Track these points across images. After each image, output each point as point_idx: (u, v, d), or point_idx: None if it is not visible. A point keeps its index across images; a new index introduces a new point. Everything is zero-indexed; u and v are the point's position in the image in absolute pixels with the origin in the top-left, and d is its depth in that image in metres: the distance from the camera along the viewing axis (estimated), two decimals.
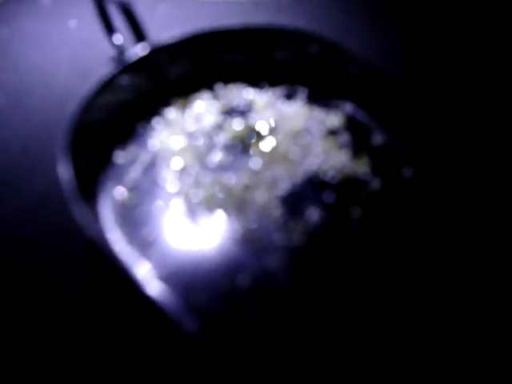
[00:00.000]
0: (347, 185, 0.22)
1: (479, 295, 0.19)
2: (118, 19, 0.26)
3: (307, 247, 0.20)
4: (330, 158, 0.23)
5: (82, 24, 0.31)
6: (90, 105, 0.23)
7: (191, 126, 0.25)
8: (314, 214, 0.21)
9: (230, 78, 0.26)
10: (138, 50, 0.25)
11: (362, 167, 0.23)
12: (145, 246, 0.20)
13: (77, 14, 0.32)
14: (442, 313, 0.19)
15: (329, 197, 0.22)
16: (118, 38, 0.28)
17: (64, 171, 0.20)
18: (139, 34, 0.25)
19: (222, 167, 0.23)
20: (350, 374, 0.17)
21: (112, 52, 0.28)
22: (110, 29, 0.28)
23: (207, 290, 0.19)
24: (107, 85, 0.24)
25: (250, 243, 0.20)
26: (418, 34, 0.30)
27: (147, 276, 0.19)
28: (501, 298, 0.19)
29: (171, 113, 0.25)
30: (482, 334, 0.18)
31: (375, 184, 0.22)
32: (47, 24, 0.31)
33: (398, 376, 0.17)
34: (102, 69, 0.28)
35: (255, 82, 0.26)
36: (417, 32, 0.30)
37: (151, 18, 0.30)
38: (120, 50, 0.28)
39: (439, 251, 0.20)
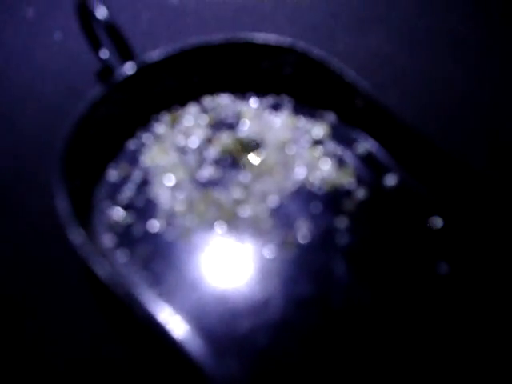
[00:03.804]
0: (333, 195, 0.23)
1: (460, 302, 0.20)
2: (103, 34, 0.27)
3: (297, 259, 0.21)
4: (316, 168, 0.24)
5: (67, 37, 0.31)
6: (81, 125, 0.23)
7: (181, 141, 0.25)
8: (302, 226, 0.22)
9: (216, 89, 0.27)
10: (125, 70, 0.25)
11: (346, 177, 0.24)
12: (144, 266, 0.21)
13: (61, 26, 0.32)
14: (423, 316, 0.20)
15: (316, 207, 0.23)
16: (105, 53, 0.28)
17: (59, 196, 0.21)
18: (126, 53, 0.25)
19: (212, 182, 0.24)
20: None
21: (98, 66, 0.29)
22: (95, 44, 0.28)
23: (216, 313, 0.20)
24: (96, 104, 0.24)
25: None
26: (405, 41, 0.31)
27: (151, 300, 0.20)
28: (482, 305, 0.20)
29: (161, 128, 0.26)
30: (466, 342, 0.19)
31: (360, 193, 0.23)
32: (32, 37, 0.32)
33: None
34: (90, 85, 0.28)
35: (242, 93, 0.27)
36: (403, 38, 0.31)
37: (135, 29, 0.31)
38: (107, 65, 0.28)
39: (421, 256, 0.21)
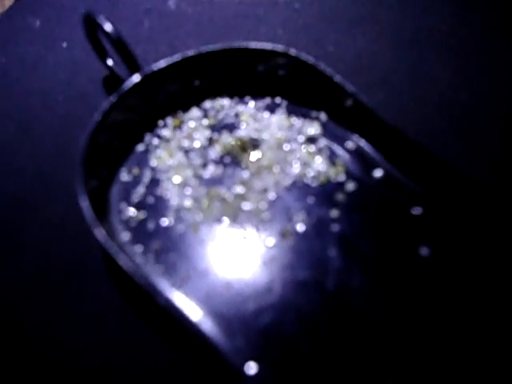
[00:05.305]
0: (326, 187, 0.26)
1: (439, 280, 0.23)
2: (108, 43, 0.29)
3: (295, 247, 0.24)
4: (310, 164, 0.27)
5: (74, 45, 0.33)
6: (96, 131, 0.26)
7: (185, 143, 0.28)
8: (299, 216, 0.25)
9: (216, 93, 0.29)
10: (133, 79, 0.27)
11: (338, 171, 0.26)
12: (158, 258, 0.23)
13: (67, 35, 0.34)
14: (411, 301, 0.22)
15: (311, 199, 0.25)
16: (111, 61, 0.30)
17: (82, 197, 0.23)
18: (132, 65, 0.27)
19: (216, 179, 0.26)
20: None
21: (105, 72, 0.31)
22: (102, 53, 0.30)
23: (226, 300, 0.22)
24: (108, 112, 0.26)
25: None
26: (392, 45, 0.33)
27: (168, 289, 0.22)
28: (464, 292, 0.22)
29: (167, 131, 0.28)
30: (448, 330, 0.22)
31: (350, 185, 0.26)
32: (41, 47, 0.34)
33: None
34: (97, 90, 0.30)
35: (239, 96, 0.29)
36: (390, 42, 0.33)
37: (136, 35, 0.33)
38: (113, 72, 0.30)
39: (405, 241, 0.24)
